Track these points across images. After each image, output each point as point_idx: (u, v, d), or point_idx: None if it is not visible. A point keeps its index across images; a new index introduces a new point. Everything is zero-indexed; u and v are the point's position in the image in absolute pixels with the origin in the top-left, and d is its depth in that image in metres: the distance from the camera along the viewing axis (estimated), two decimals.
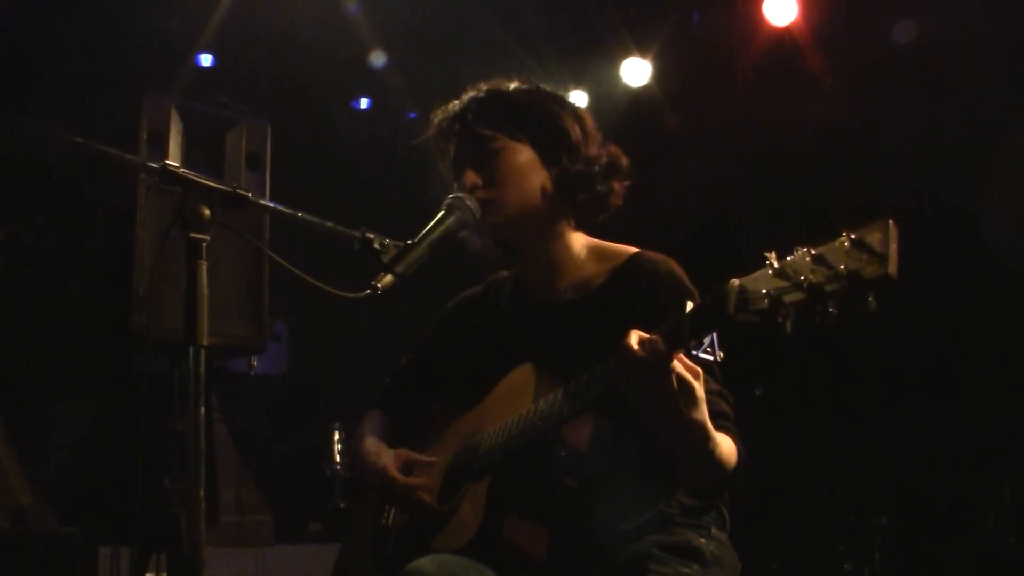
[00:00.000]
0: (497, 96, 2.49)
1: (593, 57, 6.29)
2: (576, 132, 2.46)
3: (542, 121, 2.46)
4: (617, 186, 2.48)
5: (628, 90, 6.35)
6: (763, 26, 5.78)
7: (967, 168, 5.48)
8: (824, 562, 5.50)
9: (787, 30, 5.77)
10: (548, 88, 2.54)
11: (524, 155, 2.43)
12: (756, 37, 5.84)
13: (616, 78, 6.31)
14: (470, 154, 2.46)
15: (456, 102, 2.52)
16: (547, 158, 2.44)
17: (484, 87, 2.51)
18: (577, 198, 2.44)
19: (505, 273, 2.69)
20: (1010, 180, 5.36)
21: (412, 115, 6.96)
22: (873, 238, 1.56)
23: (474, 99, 2.50)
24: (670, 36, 6.19)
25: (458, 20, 5.96)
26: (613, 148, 2.50)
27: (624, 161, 2.49)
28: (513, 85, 2.52)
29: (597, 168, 2.44)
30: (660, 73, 6.29)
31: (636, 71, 6.28)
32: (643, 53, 6.25)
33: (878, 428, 5.72)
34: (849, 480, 5.71)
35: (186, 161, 4.53)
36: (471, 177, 2.42)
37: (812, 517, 5.68)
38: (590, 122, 2.51)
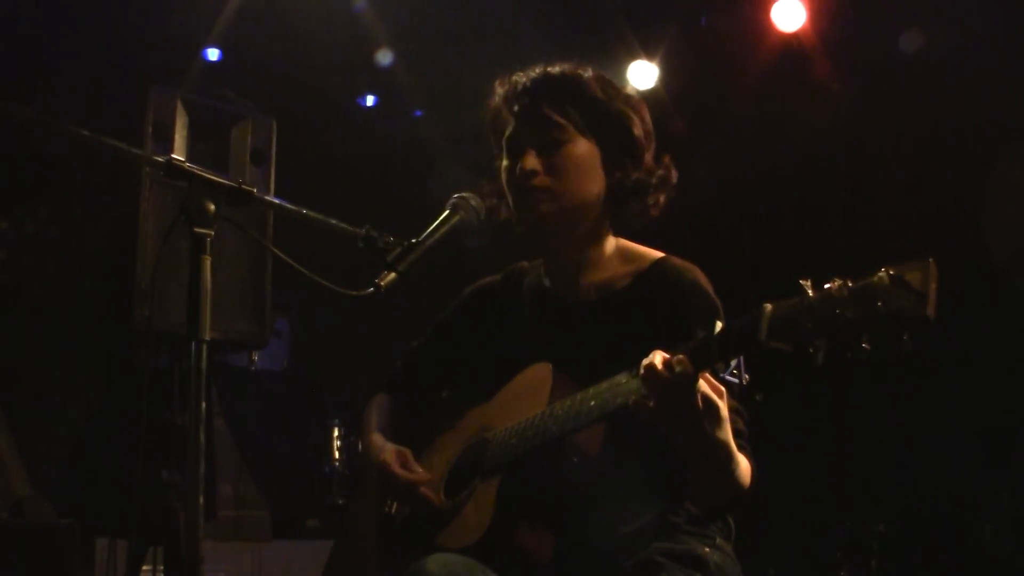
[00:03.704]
0: (573, 83, 2.40)
1: (599, 59, 6.22)
2: (640, 136, 2.40)
3: (613, 122, 2.39)
4: (663, 200, 2.43)
5: (634, 93, 6.34)
6: (771, 31, 5.77)
7: (972, 176, 5.48)
8: (821, 569, 5.50)
9: (795, 36, 5.77)
10: (617, 83, 2.46)
11: (590, 152, 2.36)
12: (764, 42, 5.84)
13: (622, 81, 6.31)
14: (534, 137, 2.37)
15: (527, 77, 2.42)
16: (610, 161, 2.37)
17: (559, 69, 2.42)
18: (627, 206, 2.39)
19: (525, 264, 2.65)
20: (1014, 189, 5.36)
21: (418, 113, 6.97)
22: (913, 276, 1.55)
23: (548, 79, 2.40)
24: (677, 39, 6.19)
25: (465, 20, 5.96)
26: (668, 160, 2.44)
27: (675, 175, 2.43)
28: (588, 74, 2.42)
29: (653, 179, 2.39)
30: (667, 76, 6.28)
31: (643, 74, 6.28)
32: (650, 56, 6.25)
33: (876, 434, 5.72)
34: (846, 486, 5.71)
35: (191, 155, 4.53)
36: (532, 161, 2.34)
37: (809, 524, 5.68)
38: (650, 123, 2.45)
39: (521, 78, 2.42)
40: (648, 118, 2.45)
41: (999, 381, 5.39)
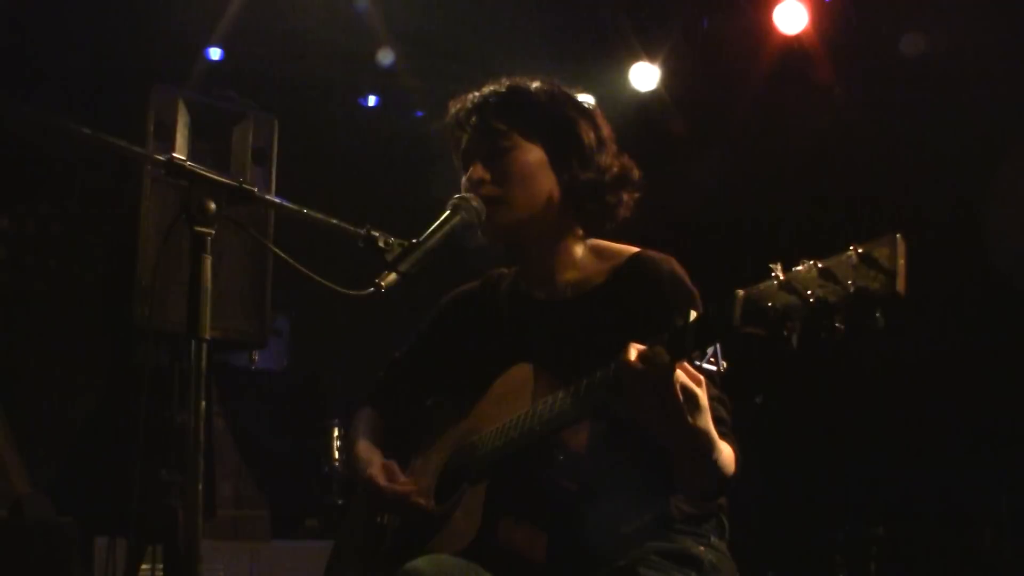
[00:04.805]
0: (517, 93, 2.46)
1: (601, 61, 6.29)
2: (590, 139, 2.43)
3: (558, 125, 2.43)
4: (626, 197, 2.46)
5: (636, 95, 6.35)
6: (773, 34, 5.78)
7: (974, 178, 5.48)
8: (820, 571, 5.50)
9: (797, 38, 5.77)
10: (568, 91, 2.50)
11: (535, 156, 2.41)
12: (765, 44, 5.84)
13: (624, 82, 6.31)
14: (481, 148, 2.43)
15: (475, 94, 2.49)
16: (557, 163, 2.41)
17: (505, 82, 2.48)
18: (585, 206, 2.43)
19: (504, 269, 2.67)
20: (1016, 192, 5.36)
21: (419, 113, 6.97)
22: (881, 253, 1.53)
23: (494, 93, 2.47)
24: (679, 41, 6.19)
25: (467, 21, 5.96)
26: (626, 159, 2.47)
27: (636, 173, 2.47)
28: (535, 84, 2.48)
29: (607, 177, 2.42)
30: (669, 78, 6.29)
31: (645, 76, 6.28)
32: (652, 58, 6.25)
33: (875, 437, 5.72)
34: (846, 490, 5.70)
35: (192, 154, 4.54)
36: (479, 171, 2.40)
37: (808, 527, 5.68)
38: (606, 129, 2.48)
39: (471, 95, 2.50)
40: (603, 125, 2.48)
41: (998, 382, 5.39)
